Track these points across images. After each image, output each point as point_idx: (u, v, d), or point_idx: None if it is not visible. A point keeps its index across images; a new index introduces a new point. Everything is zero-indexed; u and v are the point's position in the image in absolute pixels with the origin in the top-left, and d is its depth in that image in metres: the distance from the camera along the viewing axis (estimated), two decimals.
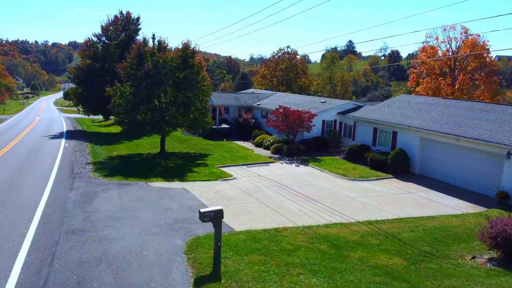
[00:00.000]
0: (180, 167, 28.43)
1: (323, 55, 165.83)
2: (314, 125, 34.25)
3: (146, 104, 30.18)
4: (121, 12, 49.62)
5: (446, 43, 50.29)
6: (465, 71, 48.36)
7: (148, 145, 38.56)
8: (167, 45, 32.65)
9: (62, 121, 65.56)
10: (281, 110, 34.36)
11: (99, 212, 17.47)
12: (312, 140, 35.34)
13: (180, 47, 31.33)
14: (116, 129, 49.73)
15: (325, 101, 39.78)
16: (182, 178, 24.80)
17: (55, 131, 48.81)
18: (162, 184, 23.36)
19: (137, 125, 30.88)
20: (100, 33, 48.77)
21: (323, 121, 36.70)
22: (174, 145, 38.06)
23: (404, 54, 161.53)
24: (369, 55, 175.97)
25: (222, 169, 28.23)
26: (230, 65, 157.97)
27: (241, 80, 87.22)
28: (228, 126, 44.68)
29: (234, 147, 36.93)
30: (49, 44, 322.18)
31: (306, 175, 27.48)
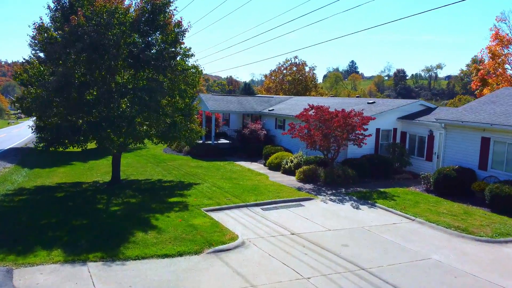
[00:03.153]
0: (132, 213, 13.39)
1: (325, 75, 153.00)
2: (370, 135, 19.53)
3: (77, 94, 15.42)
4: None
5: None
6: None
7: (105, 168, 23.56)
8: None
9: (25, 136, 50.72)
10: (312, 112, 19.65)
11: None
12: (364, 161, 20.44)
13: None
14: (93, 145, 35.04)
15: (374, 102, 25.08)
16: (113, 251, 9.81)
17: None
18: (46, 280, 8.36)
19: (61, 131, 15.97)
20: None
21: (377, 130, 21.95)
22: (144, 168, 23.08)
23: (408, 73, 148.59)
24: (373, 75, 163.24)
25: (215, 215, 13.23)
26: (231, 85, 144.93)
27: (244, 92, 73.24)
28: (228, 141, 29.84)
29: (238, 171, 22.01)
30: None
31: (388, 233, 12.46)
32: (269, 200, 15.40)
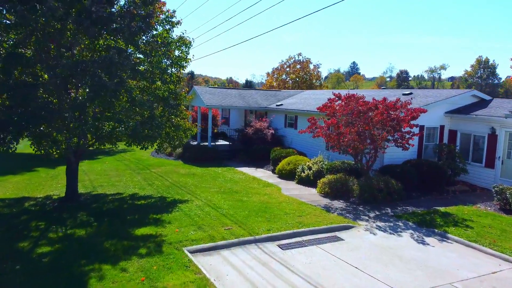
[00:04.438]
0: (66, 261, 7.91)
1: (326, 77, 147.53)
2: (419, 134, 14.12)
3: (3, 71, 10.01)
4: None
5: None
6: None
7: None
8: None
9: None
10: (337, 103, 14.21)
11: None
12: (409, 168, 14.97)
13: None
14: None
15: (410, 92, 19.63)
16: None
17: None
18: None
19: None
20: None
21: (421, 128, 16.50)
22: (121, 176, 17.61)
23: (411, 75, 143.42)
24: (374, 77, 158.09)
25: (206, 263, 7.72)
26: (231, 84, 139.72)
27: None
28: (227, 143, 24.43)
29: (240, 181, 16.56)
30: None
31: None
32: (290, 231, 9.94)
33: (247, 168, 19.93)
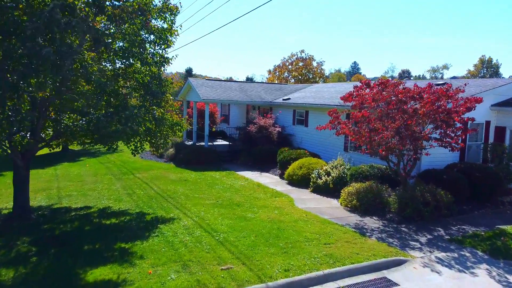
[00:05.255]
0: None
1: (327, 76, 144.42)
2: (472, 130, 10.89)
3: None
4: None
5: None
6: None
7: (43, 183, 14.80)
8: None
9: None
10: (367, 90, 10.97)
11: None
12: (457, 175, 11.68)
13: None
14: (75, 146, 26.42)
15: (444, 82, 16.35)
16: None
17: None
18: None
19: None
20: None
21: (465, 123, 13.22)
22: (97, 183, 14.29)
23: (413, 74, 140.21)
24: (376, 76, 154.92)
25: None
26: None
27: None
28: (227, 143, 21.15)
29: (242, 189, 13.25)
30: None
31: None
32: (318, 272, 6.65)
33: (250, 172, 16.68)
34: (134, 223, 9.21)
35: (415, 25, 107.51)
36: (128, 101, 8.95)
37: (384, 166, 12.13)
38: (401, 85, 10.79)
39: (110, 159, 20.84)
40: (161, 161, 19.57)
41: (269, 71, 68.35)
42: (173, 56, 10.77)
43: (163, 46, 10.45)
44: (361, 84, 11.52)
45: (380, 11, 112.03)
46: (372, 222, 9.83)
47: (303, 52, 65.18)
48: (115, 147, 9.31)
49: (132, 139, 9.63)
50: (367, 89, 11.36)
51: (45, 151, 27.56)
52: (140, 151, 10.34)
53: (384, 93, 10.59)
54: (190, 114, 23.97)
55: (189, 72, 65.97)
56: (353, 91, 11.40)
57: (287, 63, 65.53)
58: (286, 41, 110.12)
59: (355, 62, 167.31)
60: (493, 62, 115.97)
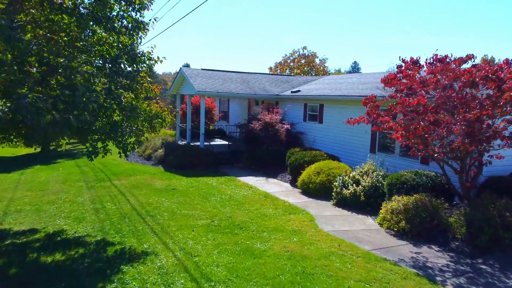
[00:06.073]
0: None
1: (330, 74, 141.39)
2: None
3: None
4: None
5: None
6: None
7: (8, 189, 11.70)
8: None
9: None
10: (419, 74, 7.93)
11: None
12: None
13: None
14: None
15: None
16: None
17: None
18: None
19: None
20: None
21: None
22: (61, 194, 11.19)
23: None
24: None
25: None
26: None
27: None
28: (226, 143, 18.05)
29: (245, 201, 10.18)
30: None
31: None
32: None
33: (253, 178, 13.58)
34: (87, 261, 6.10)
35: (415, 25, 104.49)
36: (80, 81, 5.85)
37: (434, 173, 9.06)
38: (468, 61, 7.74)
39: (90, 162, 17.74)
40: (148, 163, 16.47)
41: (270, 68, 65.20)
42: (150, 19, 7.65)
43: (137, 7, 7.37)
44: (405, 63, 8.45)
45: (380, 11, 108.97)
46: (434, 256, 6.75)
47: (305, 49, 62.09)
48: (57, 145, 6.22)
49: (88, 137, 6.53)
50: (415, 69, 8.29)
51: (22, 151, 24.43)
52: (104, 154, 7.25)
53: (445, 74, 7.52)
54: (184, 110, 20.92)
55: (187, 67, 63.00)
56: (397, 71, 8.33)
57: (289, 60, 62.51)
58: (286, 41, 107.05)
59: (355, 62, 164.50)
60: (495, 62, 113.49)
